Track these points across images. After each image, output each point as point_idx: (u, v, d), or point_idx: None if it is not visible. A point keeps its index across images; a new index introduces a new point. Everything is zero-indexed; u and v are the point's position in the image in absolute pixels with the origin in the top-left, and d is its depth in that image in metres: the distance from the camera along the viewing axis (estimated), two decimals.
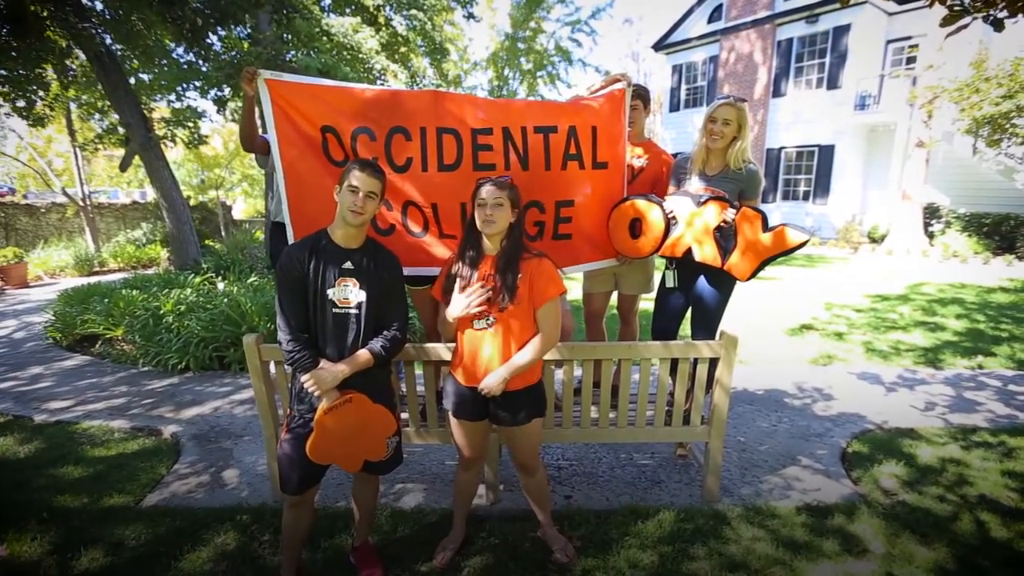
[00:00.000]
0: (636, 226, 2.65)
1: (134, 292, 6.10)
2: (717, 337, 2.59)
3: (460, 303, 1.98)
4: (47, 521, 2.53)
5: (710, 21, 16.39)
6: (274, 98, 2.29)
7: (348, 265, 1.91)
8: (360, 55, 9.73)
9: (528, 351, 1.99)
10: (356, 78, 8.91)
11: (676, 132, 17.80)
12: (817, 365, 4.76)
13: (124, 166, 9.35)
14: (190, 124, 10.01)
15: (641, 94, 2.88)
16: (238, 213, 21.16)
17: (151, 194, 13.35)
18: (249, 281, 6.50)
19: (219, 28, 7.78)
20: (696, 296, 2.77)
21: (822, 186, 14.34)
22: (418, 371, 2.58)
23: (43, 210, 13.47)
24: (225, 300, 5.23)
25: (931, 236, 12.27)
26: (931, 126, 11.59)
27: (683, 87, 17.65)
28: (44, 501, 2.71)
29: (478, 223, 1.99)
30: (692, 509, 2.59)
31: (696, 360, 2.54)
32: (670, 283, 2.83)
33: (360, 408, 1.92)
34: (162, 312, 5.21)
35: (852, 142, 13.80)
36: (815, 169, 14.43)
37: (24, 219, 13.11)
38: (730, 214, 2.47)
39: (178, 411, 3.89)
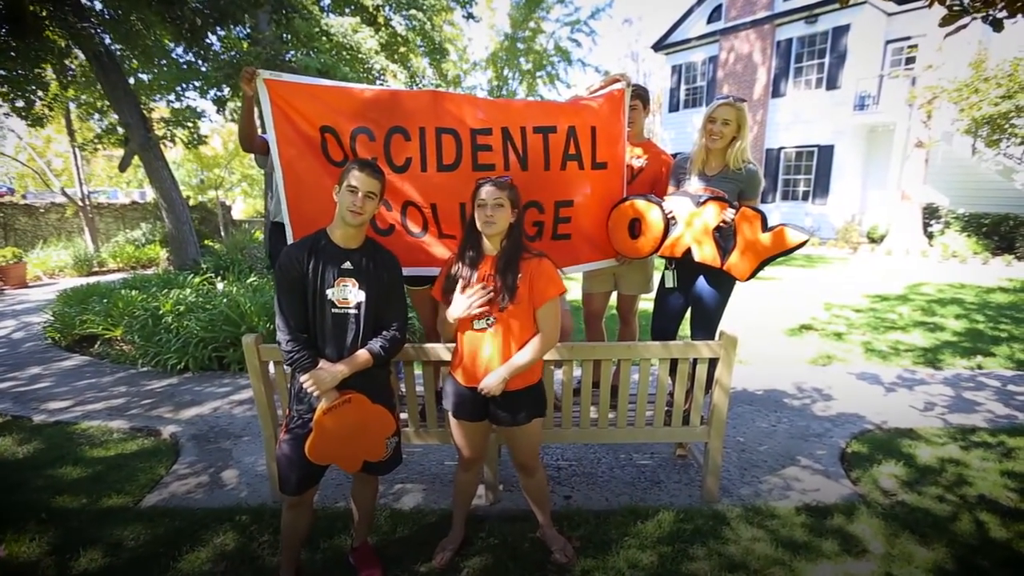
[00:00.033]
0: (635, 226, 2.65)
1: (133, 292, 6.10)
2: (716, 337, 2.59)
3: (461, 304, 1.97)
4: (46, 522, 2.53)
5: (709, 21, 16.39)
6: (273, 98, 2.29)
7: (347, 265, 1.91)
8: (359, 55, 9.73)
9: (528, 351, 1.99)
10: (355, 78, 8.91)
11: (675, 132, 17.80)
12: (816, 365, 4.76)
13: (123, 166, 9.34)
14: (189, 124, 10.01)
15: (640, 94, 2.88)
16: (237, 213, 21.15)
17: (150, 194, 13.34)
18: (248, 281, 6.50)
19: (218, 28, 7.78)
20: (695, 296, 2.77)
21: (821, 186, 14.35)
22: (417, 371, 2.58)
23: (42, 210, 13.47)
24: (224, 300, 5.23)
25: (930, 236, 12.29)
26: (930, 126, 11.61)
27: (682, 87, 17.65)
28: (43, 501, 2.71)
29: (478, 224, 1.99)
30: (691, 509, 2.59)
31: (695, 360, 2.54)
32: (669, 283, 2.83)
33: (359, 408, 1.91)
34: (161, 312, 5.21)
35: (851, 142, 13.80)
36: (814, 169, 14.44)
37: (23, 219, 13.11)
38: (729, 214, 2.47)
39: (177, 411, 3.89)
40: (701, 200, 2.53)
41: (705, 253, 2.54)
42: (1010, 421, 3.55)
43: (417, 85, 13.34)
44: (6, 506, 2.66)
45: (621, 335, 3.28)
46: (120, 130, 8.91)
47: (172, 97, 9.96)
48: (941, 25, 2.18)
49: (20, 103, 8.30)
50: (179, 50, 9.23)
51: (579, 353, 2.52)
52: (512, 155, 2.51)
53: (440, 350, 2.40)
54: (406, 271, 2.28)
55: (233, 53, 9.08)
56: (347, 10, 10.87)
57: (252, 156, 3.51)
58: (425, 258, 2.54)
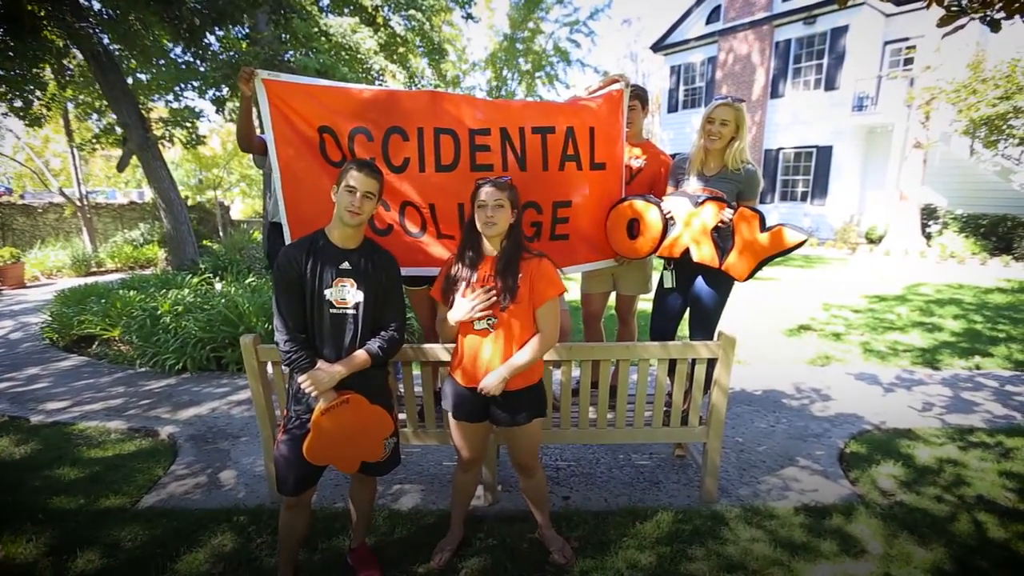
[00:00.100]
0: (634, 226, 2.65)
1: (131, 292, 6.09)
2: (715, 337, 2.59)
3: (463, 307, 1.97)
4: (43, 523, 2.52)
5: (708, 22, 16.41)
6: (271, 98, 2.28)
7: (345, 265, 1.91)
8: (358, 55, 9.73)
9: (527, 351, 1.98)
10: (354, 78, 8.91)
11: (674, 133, 17.81)
12: (815, 366, 4.76)
13: (121, 166, 9.34)
14: (188, 124, 10.00)
15: (639, 94, 2.88)
16: (236, 213, 21.11)
17: (149, 194, 13.29)
18: (247, 281, 6.49)
19: (217, 28, 7.78)
20: (694, 296, 2.77)
21: (820, 187, 14.37)
22: (416, 372, 2.58)
23: (40, 210, 13.44)
24: (223, 301, 5.22)
25: (928, 237, 12.31)
26: (928, 127, 11.63)
27: (681, 88, 17.66)
28: (40, 502, 2.70)
29: (479, 225, 1.99)
30: (690, 510, 2.59)
31: (694, 360, 2.54)
32: (668, 283, 2.83)
33: (357, 409, 1.91)
34: (159, 313, 5.20)
35: (850, 143, 13.83)
36: (813, 170, 14.46)
37: (21, 219, 13.08)
38: (727, 214, 2.47)
39: (175, 412, 3.88)
40: (699, 200, 2.53)
41: (703, 253, 2.54)
42: (1008, 421, 3.55)
43: (416, 85, 13.34)
44: (3, 507, 2.65)
45: (620, 335, 3.27)
46: (118, 130, 8.89)
47: (170, 97, 9.95)
48: (939, 25, 2.19)
49: (18, 103, 8.29)
50: (177, 50, 9.22)
51: (578, 353, 2.52)
52: (510, 155, 2.51)
53: (439, 351, 2.39)
54: (404, 271, 2.28)
55: (232, 53, 9.08)
56: (346, 10, 10.87)
57: (250, 156, 3.50)
58: (423, 258, 2.54)
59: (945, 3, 2.18)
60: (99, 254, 11.98)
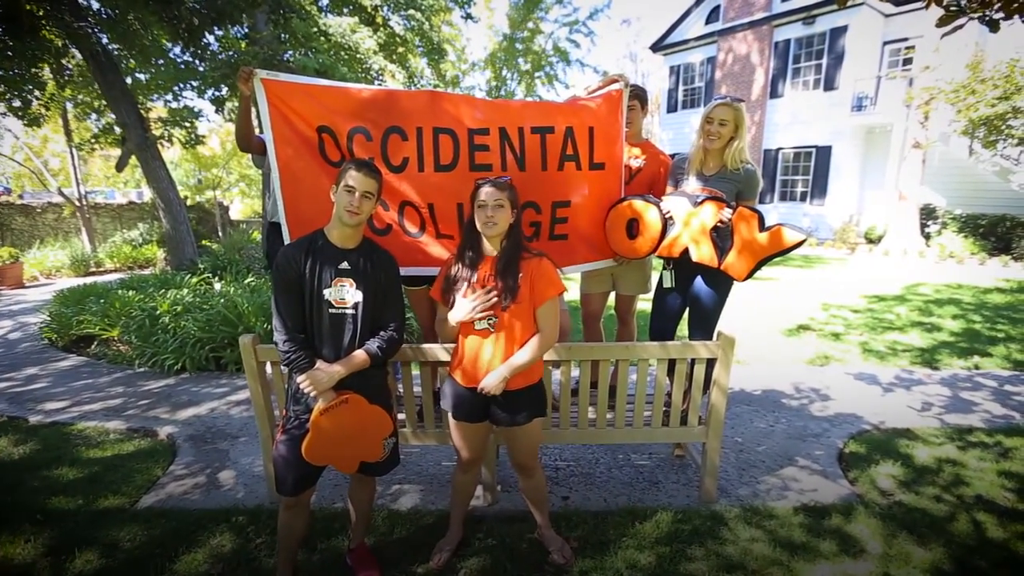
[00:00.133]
0: (633, 226, 2.65)
1: (130, 292, 6.08)
2: (714, 337, 2.59)
3: (465, 307, 1.97)
4: (41, 523, 2.52)
5: (708, 22, 16.42)
6: (270, 98, 2.28)
7: (344, 265, 1.90)
8: (358, 55, 9.71)
9: (527, 350, 1.98)
10: (354, 78, 8.89)
11: (674, 133, 17.82)
12: (814, 365, 4.77)
13: (120, 166, 9.32)
14: (187, 124, 9.98)
15: (639, 94, 2.88)
16: (235, 213, 21.08)
17: (148, 194, 13.27)
18: (246, 281, 6.48)
19: (216, 28, 7.77)
20: (693, 296, 2.77)
21: (819, 187, 14.38)
22: (415, 372, 2.57)
23: (39, 210, 13.42)
24: (222, 301, 5.22)
25: (927, 237, 12.32)
26: (927, 127, 11.64)
27: (681, 88, 17.67)
28: (38, 503, 2.69)
29: (479, 225, 1.99)
30: (689, 510, 2.59)
31: (693, 360, 2.54)
32: (667, 283, 2.83)
33: (356, 409, 1.91)
34: (158, 313, 5.20)
35: (849, 143, 13.84)
36: (812, 170, 14.47)
37: (20, 219, 13.06)
38: (726, 214, 2.47)
39: (174, 412, 3.88)
40: (698, 200, 2.53)
41: (703, 253, 2.54)
42: (1007, 421, 3.56)
43: (415, 85, 13.33)
44: (1, 507, 2.65)
45: (619, 335, 3.27)
46: (117, 130, 8.89)
47: (169, 97, 9.92)
48: (938, 25, 2.19)
49: (17, 102, 8.28)
50: (176, 50, 9.20)
51: (577, 353, 2.52)
52: (509, 155, 2.51)
53: (438, 351, 2.39)
54: (404, 271, 2.27)
55: (231, 53, 9.06)
56: (345, 10, 10.86)
57: (249, 156, 3.50)
58: (423, 258, 2.54)
59: (944, 3, 2.18)
60: (98, 254, 11.97)
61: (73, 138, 12.45)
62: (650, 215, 2.59)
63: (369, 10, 11.11)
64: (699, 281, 2.72)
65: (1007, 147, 10.93)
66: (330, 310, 1.89)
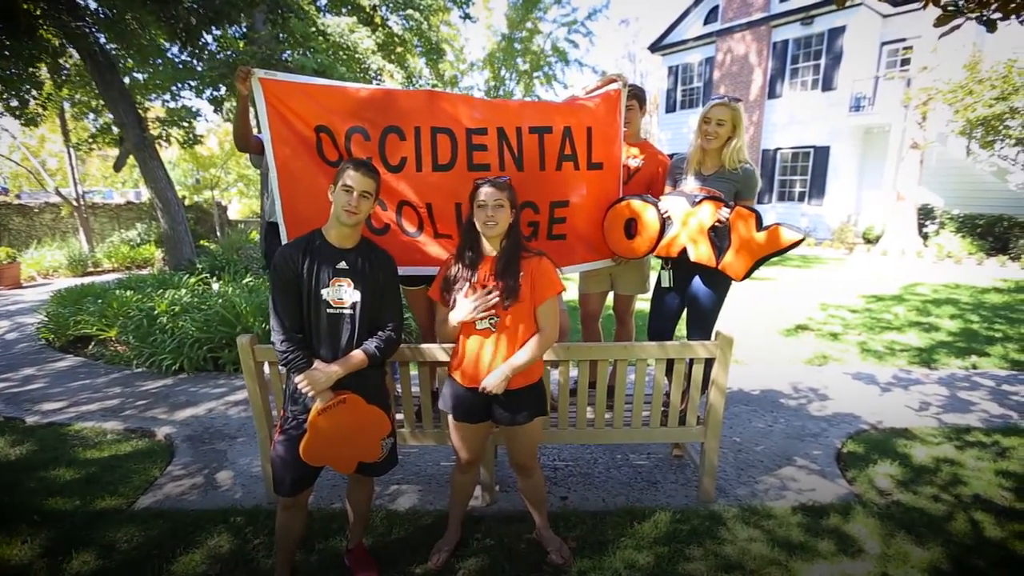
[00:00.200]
0: (632, 226, 2.65)
1: (128, 293, 6.07)
2: (713, 337, 2.59)
3: (466, 307, 1.97)
4: (38, 524, 2.51)
5: (706, 23, 16.44)
6: (268, 97, 2.28)
7: (342, 265, 1.90)
8: (356, 55, 9.70)
9: (528, 350, 1.98)
10: (352, 78, 8.87)
11: (672, 133, 17.83)
12: (812, 365, 4.77)
13: (118, 166, 9.30)
14: (185, 124, 9.96)
15: (637, 94, 2.88)
16: (233, 213, 21.03)
17: (146, 194, 13.26)
18: (244, 281, 6.47)
19: (214, 27, 7.74)
20: (692, 296, 2.77)
21: (817, 187, 14.40)
22: (413, 372, 2.57)
23: (36, 210, 13.37)
24: (220, 301, 5.21)
25: (925, 237, 12.34)
26: (925, 128, 11.66)
27: (679, 88, 17.69)
28: (35, 503, 2.69)
29: (479, 225, 1.99)
30: (688, 510, 2.59)
31: (692, 360, 2.54)
32: (665, 283, 2.82)
33: (354, 409, 1.91)
34: (156, 313, 5.18)
35: (847, 143, 13.86)
36: (810, 170, 14.49)
37: (17, 219, 13.01)
38: (724, 213, 2.47)
39: (172, 412, 3.87)
40: (696, 199, 2.53)
41: (701, 252, 2.54)
42: (1004, 421, 3.56)
43: (414, 85, 13.32)
44: None
45: (618, 335, 3.27)
46: (115, 130, 8.87)
47: (167, 96, 9.90)
48: (936, 26, 2.19)
49: (14, 102, 8.24)
50: (174, 49, 9.18)
51: (576, 353, 2.52)
52: (507, 155, 2.51)
53: (436, 351, 2.39)
54: (402, 271, 2.27)
55: (229, 52, 9.03)
56: (344, 10, 10.84)
57: (247, 156, 3.49)
58: (421, 258, 2.53)
59: (942, 3, 2.18)
60: (96, 254, 11.94)
61: (71, 138, 12.41)
62: (648, 215, 2.59)
63: (367, 10, 11.09)
64: (697, 281, 2.72)
65: (1004, 147, 10.95)
66: (328, 310, 1.89)
